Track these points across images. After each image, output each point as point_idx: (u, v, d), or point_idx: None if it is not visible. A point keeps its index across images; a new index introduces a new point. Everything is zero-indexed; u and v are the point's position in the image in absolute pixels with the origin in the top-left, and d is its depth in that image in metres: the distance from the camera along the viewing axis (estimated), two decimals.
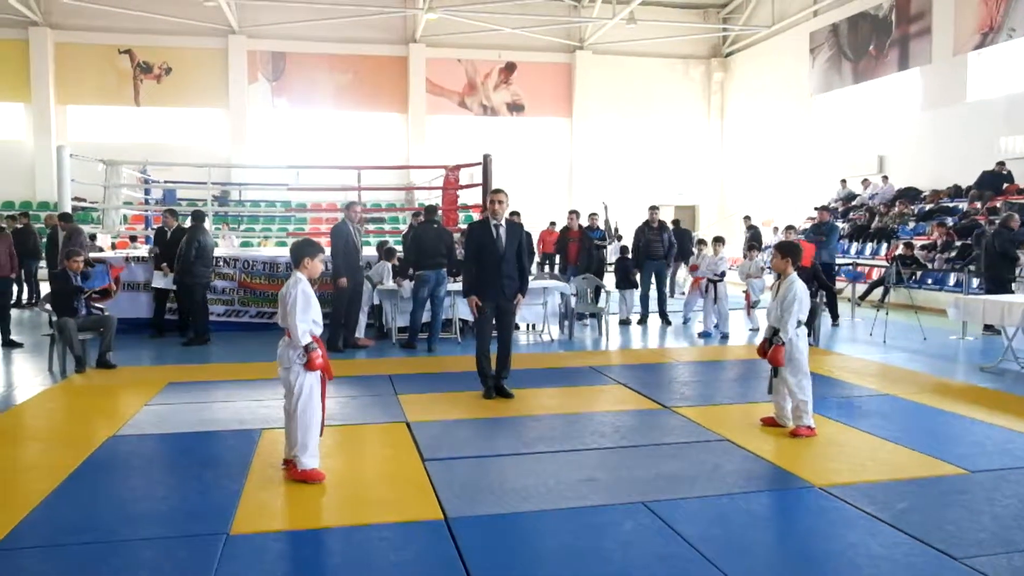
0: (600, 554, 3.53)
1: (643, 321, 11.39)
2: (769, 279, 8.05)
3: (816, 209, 13.55)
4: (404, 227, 12.80)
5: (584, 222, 12.59)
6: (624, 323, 11.34)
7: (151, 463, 4.97)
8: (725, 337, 10.08)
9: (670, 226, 12.30)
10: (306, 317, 4.39)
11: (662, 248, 11.41)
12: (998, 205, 13.49)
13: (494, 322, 6.59)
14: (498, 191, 6.61)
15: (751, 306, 10.83)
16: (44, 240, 13.55)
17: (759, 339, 5.64)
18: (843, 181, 19.13)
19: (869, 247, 16.06)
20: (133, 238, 15.36)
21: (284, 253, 10.81)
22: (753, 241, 12.95)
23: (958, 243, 13.62)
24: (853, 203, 18.41)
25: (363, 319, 9.50)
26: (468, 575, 3.31)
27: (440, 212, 10.69)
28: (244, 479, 4.45)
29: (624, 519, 3.91)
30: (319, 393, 4.47)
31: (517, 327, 9.95)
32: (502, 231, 6.46)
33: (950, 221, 14.60)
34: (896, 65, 17.99)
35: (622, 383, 7.16)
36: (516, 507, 4.06)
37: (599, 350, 9.49)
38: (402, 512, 4.00)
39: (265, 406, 6.08)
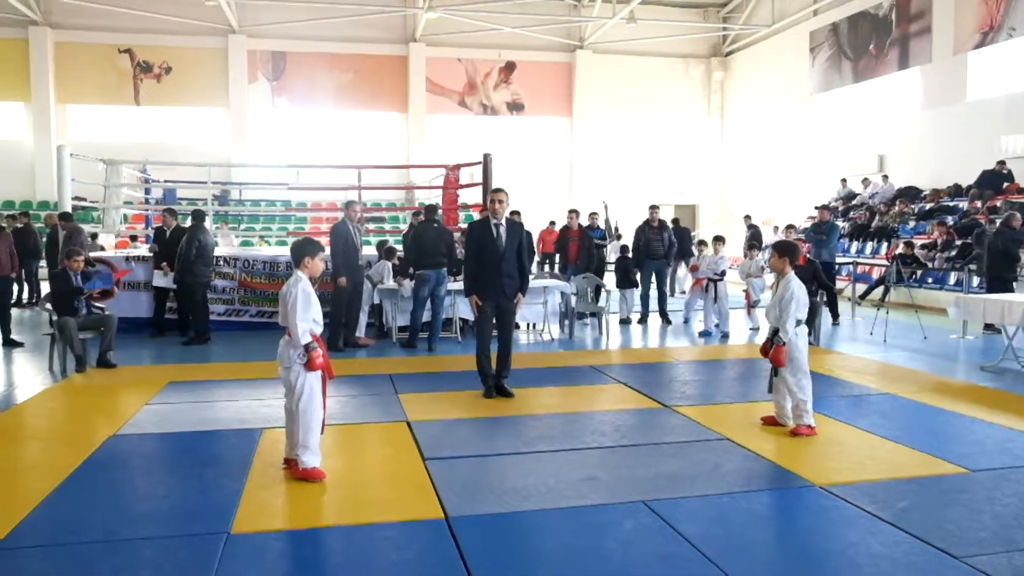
0: (600, 553, 3.53)
1: (643, 320, 11.38)
2: (769, 278, 8.04)
3: (816, 208, 13.55)
4: (404, 226, 12.81)
5: (584, 221, 12.59)
6: (624, 322, 11.34)
7: (152, 462, 4.98)
8: (725, 336, 10.09)
9: (670, 225, 12.30)
10: (307, 316, 4.39)
11: (662, 247, 11.41)
12: (998, 204, 13.50)
13: (494, 321, 6.59)
14: (498, 190, 6.61)
15: (751, 305, 10.83)
16: (44, 240, 13.55)
17: (760, 338, 5.64)
18: (843, 180, 19.12)
19: (869, 246, 16.05)
20: (133, 237, 15.37)
21: (284, 252, 10.81)
22: (753, 240, 12.95)
23: (958, 242, 13.61)
24: (853, 202, 18.40)
25: (363, 318, 9.50)
26: (469, 574, 3.31)
27: (440, 211, 10.69)
28: (245, 478, 4.45)
29: (624, 518, 3.91)
30: (320, 392, 4.47)
31: (517, 326, 9.96)
32: (502, 230, 6.46)
33: (950, 220, 14.60)
34: (896, 64, 17.99)
35: (622, 382, 7.16)
36: (516, 506, 4.06)
37: (599, 349, 9.50)
38: (403, 511, 4.00)
39: (266, 405, 6.08)
